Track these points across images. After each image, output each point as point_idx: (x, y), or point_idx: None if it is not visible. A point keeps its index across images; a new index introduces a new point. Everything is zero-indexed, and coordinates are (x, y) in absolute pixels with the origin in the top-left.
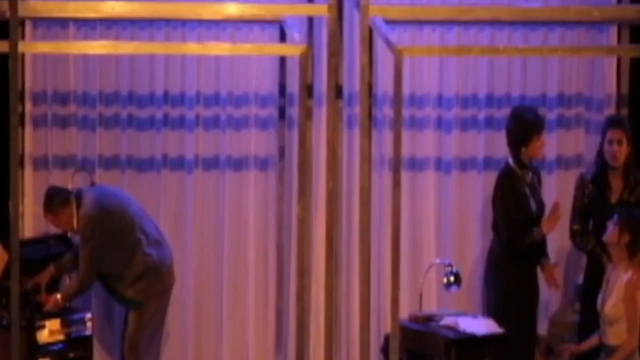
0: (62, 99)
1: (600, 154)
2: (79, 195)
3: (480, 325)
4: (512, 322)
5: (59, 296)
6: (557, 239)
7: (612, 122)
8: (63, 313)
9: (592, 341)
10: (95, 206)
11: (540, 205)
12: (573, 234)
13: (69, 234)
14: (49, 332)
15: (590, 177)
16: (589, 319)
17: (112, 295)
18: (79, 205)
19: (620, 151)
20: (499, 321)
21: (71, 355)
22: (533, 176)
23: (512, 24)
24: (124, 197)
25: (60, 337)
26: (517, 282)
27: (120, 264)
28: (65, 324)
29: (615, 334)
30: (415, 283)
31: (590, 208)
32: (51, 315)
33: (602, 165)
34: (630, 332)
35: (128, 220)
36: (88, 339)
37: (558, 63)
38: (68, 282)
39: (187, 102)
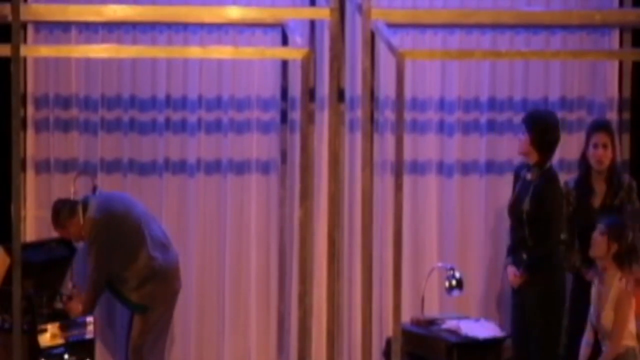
0: (64, 102)
1: (583, 157)
2: (85, 203)
3: (482, 329)
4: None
5: (80, 306)
6: None
7: (597, 126)
8: (64, 316)
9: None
10: (98, 210)
11: (518, 207)
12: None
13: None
14: (51, 335)
15: (574, 182)
16: (577, 334)
17: (117, 299)
18: (85, 213)
19: (605, 155)
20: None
21: (73, 358)
22: (534, 176)
23: (514, 27)
24: (128, 200)
25: (62, 340)
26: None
27: (125, 267)
28: (67, 328)
29: None
30: (417, 287)
31: (574, 214)
32: (53, 319)
33: (585, 169)
34: (616, 336)
35: (132, 223)
36: (90, 343)
37: (560, 67)
38: (70, 285)
39: (189, 106)
